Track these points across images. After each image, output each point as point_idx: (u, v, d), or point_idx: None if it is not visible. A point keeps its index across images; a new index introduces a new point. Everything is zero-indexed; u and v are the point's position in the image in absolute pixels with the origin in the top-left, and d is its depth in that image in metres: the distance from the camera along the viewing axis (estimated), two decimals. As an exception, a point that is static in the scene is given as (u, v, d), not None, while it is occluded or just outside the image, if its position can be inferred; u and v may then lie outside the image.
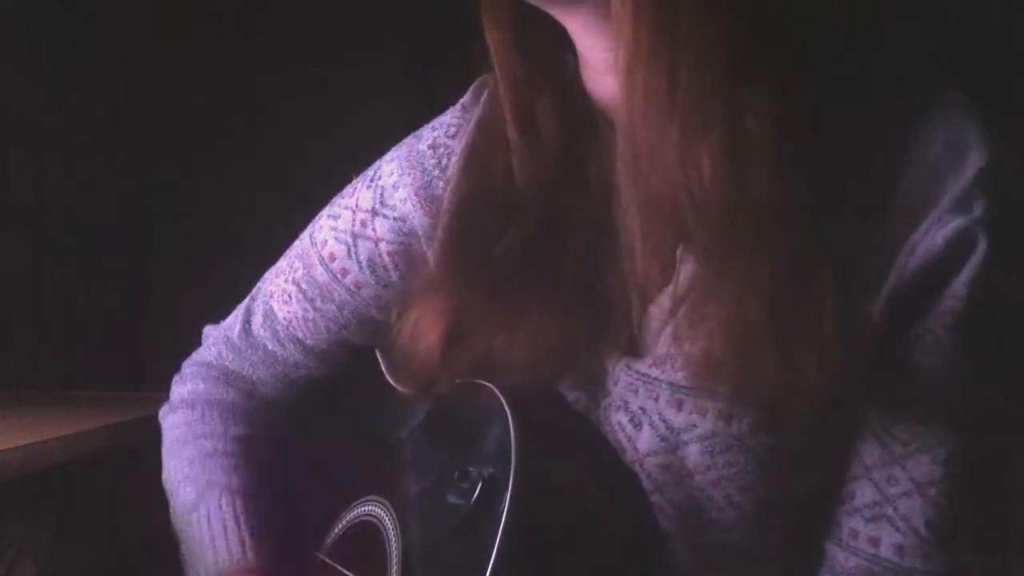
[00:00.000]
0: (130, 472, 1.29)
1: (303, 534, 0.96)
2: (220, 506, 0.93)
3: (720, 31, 0.71)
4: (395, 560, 0.83)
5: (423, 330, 0.83)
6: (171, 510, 0.97)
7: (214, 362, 1.01)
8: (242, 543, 0.91)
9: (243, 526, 0.92)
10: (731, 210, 0.71)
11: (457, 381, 0.83)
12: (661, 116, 0.71)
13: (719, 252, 0.72)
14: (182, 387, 1.02)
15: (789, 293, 0.70)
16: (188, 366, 1.04)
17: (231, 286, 1.03)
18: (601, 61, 0.78)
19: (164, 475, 0.99)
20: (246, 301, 1.01)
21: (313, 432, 1.02)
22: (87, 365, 2.16)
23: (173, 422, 1.01)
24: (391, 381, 0.94)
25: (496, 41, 0.81)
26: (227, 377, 1.00)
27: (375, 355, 0.97)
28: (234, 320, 1.01)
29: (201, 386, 1.01)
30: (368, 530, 0.88)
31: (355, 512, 0.92)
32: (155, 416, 1.03)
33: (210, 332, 1.04)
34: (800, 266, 0.71)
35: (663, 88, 0.71)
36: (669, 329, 0.77)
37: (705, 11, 0.70)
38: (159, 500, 0.98)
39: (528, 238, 0.82)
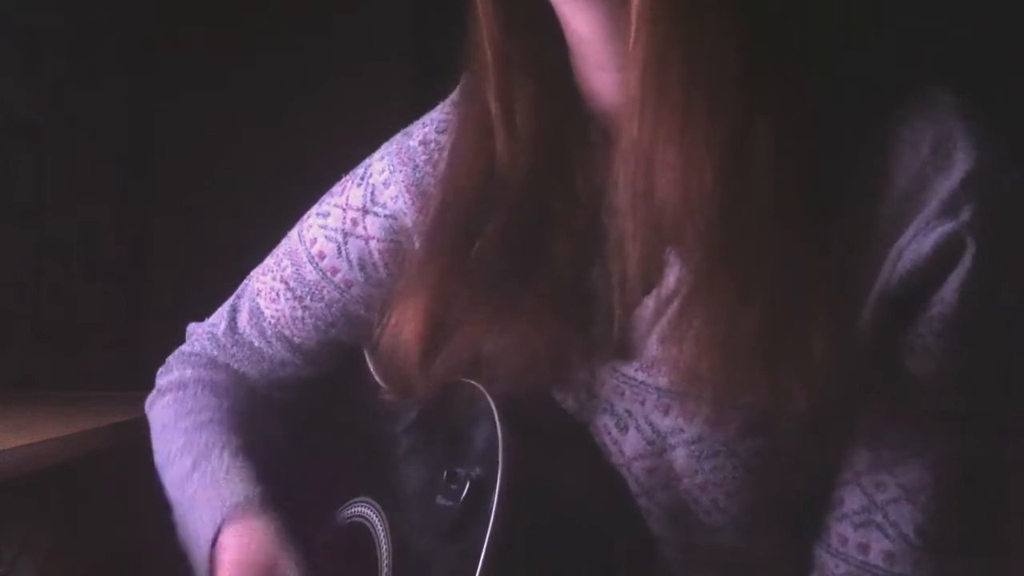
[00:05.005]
0: (130, 472, 1.29)
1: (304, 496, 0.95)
2: (222, 458, 0.91)
3: (733, 33, 0.70)
4: (385, 562, 0.83)
5: (403, 331, 0.82)
6: (167, 487, 0.95)
7: (200, 352, 1.01)
8: (247, 485, 0.89)
9: (246, 472, 0.90)
10: (728, 216, 0.71)
11: (444, 383, 0.83)
12: (672, 121, 0.71)
13: (710, 258, 0.72)
14: (169, 375, 1.01)
15: (780, 307, 0.70)
16: (173, 358, 1.03)
17: (231, 286, 1.03)
18: (604, 57, 0.77)
19: (157, 455, 0.97)
20: (231, 299, 1.01)
21: (302, 433, 1.01)
22: (87, 365, 2.16)
23: (163, 404, 0.99)
24: (379, 381, 0.94)
25: (485, 15, 0.80)
26: (215, 364, 1.00)
27: (363, 354, 0.96)
28: (219, 318, 1.01)
29: (189, 371, 1.00)
30: (358, 532, 0.88)
31: (345, 513, 0.91)
32: (155, 416, 1.03)
33: (194, 329, 1.03)
34: (792, 278, 0.70)
35: (677, 94, 0.71)
36: (656, 333, 0.76)
37: (721, 12, 0.70)
38: (159, 500, 0.98)
39: (509, 237, 0.81)
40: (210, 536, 0.88)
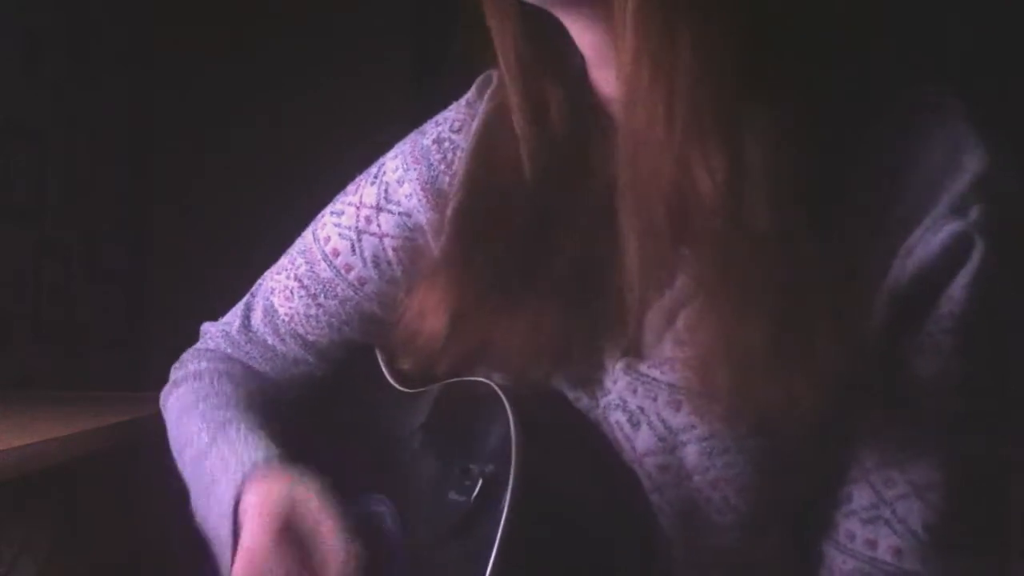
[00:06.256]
0: (130, 472, 1.29)
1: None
2: (239, 430, 0.90)
3: (722, 35, 0.70)
4: (397, 557, 0.83)
5: (429, 309, 0.83)
6: (185, 472, 0.94)
7: (215, 349, 1.01)
8: (267, 447, 0.88)
9: (265, 439, 0.89)
10: (730, 218, 0.71)
11: (457, 379, 0.83)
12: (662, 124, 0.71)
13: (716, 260, 0.72)
14: (184, 368, 1.01)
15: (787, 314, 0.70)
16: (187, 354, 1.03)
17: (231, 286, 1.03)
18: (601, 57, 0.78)
19: (173, 443, 0.97)
20: (245, 298, 1.01)
21: (315, 430, 1.02)
22: (87, 365, 2.16)
23: (179, 394, 0.99)
24: (390, 379, 0.94)
25: (498, 29, 0.81)
26: (229, 358, 1.00)
27: (376, 353, 0.97)
28: (233, 317, 1.01)
29: (204, 364, 1.00)
30: (370, 527, 0.88)
31: (357, 509, 0.91)
32: (155, 416, 1.03)
33: (208, 328, 1.04)
34: (798, 286, 0.70)
35: (664, 97, 0.71)
36: (670, 334, 0.77)
37: (707, 17, 0.70)
38: (159, 500, 0.98)
39: (530, 233, 0.82)
40: (231, 501, 0.85)
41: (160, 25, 2.38)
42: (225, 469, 0.88)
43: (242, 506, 0.85)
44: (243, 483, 0.85)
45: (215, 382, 0.98)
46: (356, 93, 2.28)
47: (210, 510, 0.89)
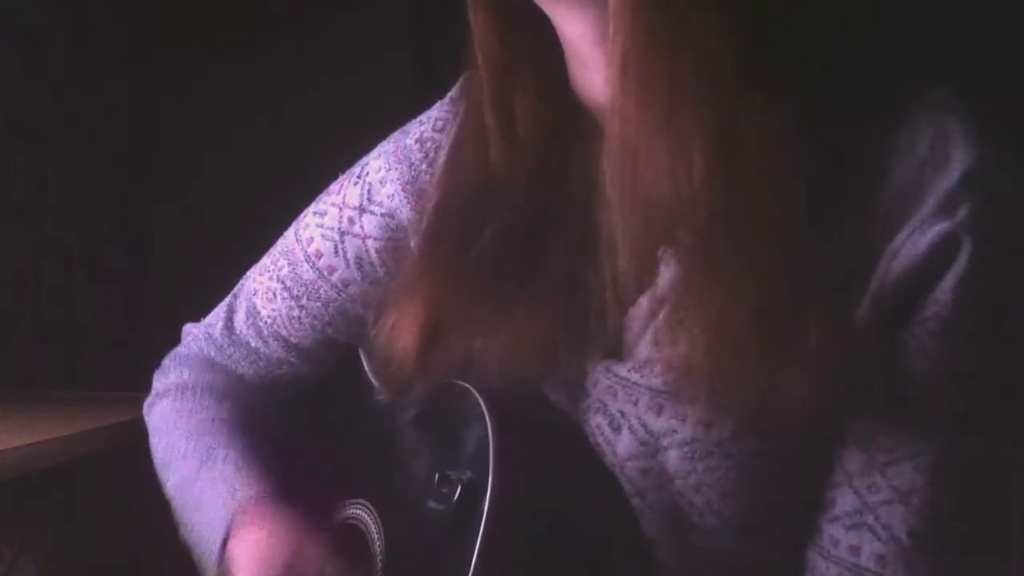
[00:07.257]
0: (130, 472, 1.29)
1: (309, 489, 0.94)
2: (227, 461, 0.91)
3: (720, 32, 0.70)
4: (379, 564, 0.83)
5: (400, 332, 0.82)
6: (167, 490, 0.95)
7: (196, 355, 1.01)
8: (252, 482, 0.89)
9: (251, 472, 0.91)
10: (719, 214, 0.70)
11: (438, 383, 0.83)
12: (656, 115, 0.71)
13: (703, 257, 0.72)
14: (165, 378, 1.01)
15: (774, 304, 0.69)
16: (169, 360, 1.02)
17: (231, 286, 1.03)
18: (590, 57, 0.77)
19: (156, 458, 0.97)
20: (228, 299, 1.00)
21: (298, 435, 1.01)
22: (87, 365, 2.16)
23: (161, 408, 0.99)
24: (374, 381, 0.93)
25: (478, 24, 0.80)
26: (211, 365, 1.00)
27: (359, 354, 0.96)
28: (215, 318, 1.00)
29: (186, 373, 0.99)
30: (352, 533, 0.88)
31: (340, 515, 0.91)
32: (155, 416, 1.03)
33: (190, 329, 1.03)
34: (786, 276, 0.69)
35: (660, 87, 0.70)
36: (650, 333, 0.76)
37: (705, 12, 0.70)
38: (159, 500, 0.98)
39: (507, 237, 0.81)
40: (220, 536, 0.87)
41: (160, 25, 2.39)
42: (211, 503, 0.89)
43: (231, 540, 0.87)
44: (231, 521, 0.87)
45: (198, 396, 0.98)
46: (356, 93, 2.28)
47: (197, 536, 0.90)
